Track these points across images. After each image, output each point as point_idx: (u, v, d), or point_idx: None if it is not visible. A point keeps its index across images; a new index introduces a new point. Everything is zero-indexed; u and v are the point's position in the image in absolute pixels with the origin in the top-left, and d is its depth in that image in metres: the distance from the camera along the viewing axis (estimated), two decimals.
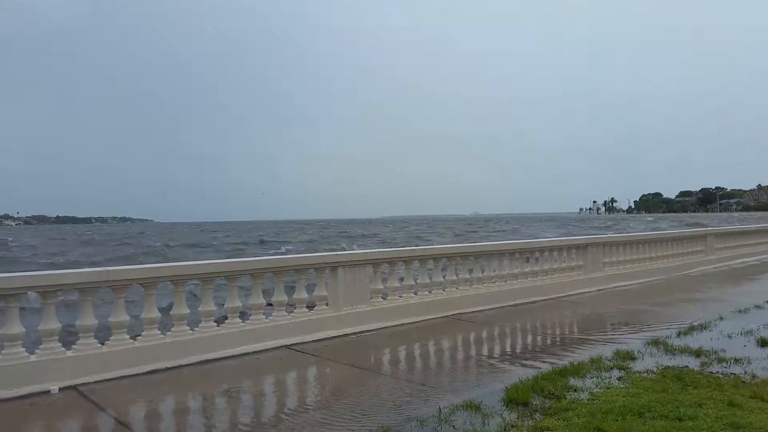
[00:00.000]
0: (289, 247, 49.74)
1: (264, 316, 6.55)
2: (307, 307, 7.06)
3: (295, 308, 6.93)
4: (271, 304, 6.76)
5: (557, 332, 7.45)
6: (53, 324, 5.04)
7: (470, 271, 8.92)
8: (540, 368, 5.46)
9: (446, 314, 8.18)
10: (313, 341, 6.74)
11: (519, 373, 5.30)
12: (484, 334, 7.22)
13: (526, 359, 5.97)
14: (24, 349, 4.90)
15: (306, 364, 5.95)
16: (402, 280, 8.15)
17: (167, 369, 5.54)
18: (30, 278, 4.97)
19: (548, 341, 6.93)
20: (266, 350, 6.29)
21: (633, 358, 5.76)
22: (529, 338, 7.11)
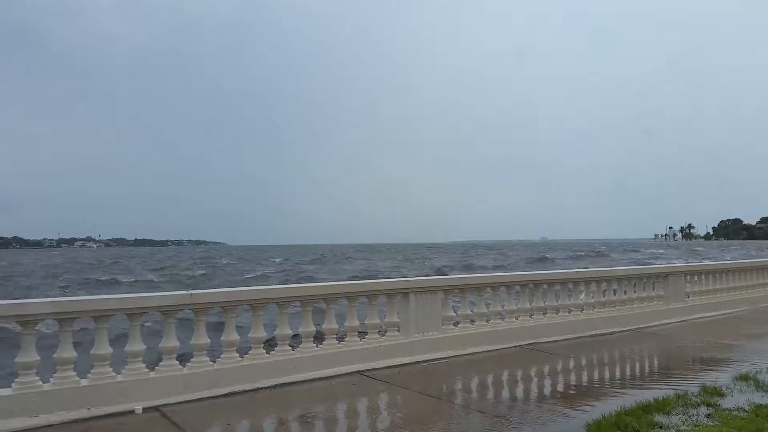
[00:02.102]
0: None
1: (337, 341, 6.56)
2: (379, 333, 7.03)
3: (367, 334, 6.90)
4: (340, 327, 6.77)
5: (638, 365, 7.07)
6: (138, 345, 5.23)
7: (545, 299, 8.64)
8: (622, 403, 5.15)
9: (520, 344, 7.92)
10: (385, 368, 6.67)
11: (600, 408, 5.04)
12: (560, 366, 6.92)
13: (607, 393, 5.67)
14: (111, 369, 5.10)
15: (378, 390, 5.89)
16: (474, 307, 7.99)
17: (244, 392, 5.62)
18: (118, 301, 5.20)
19: (629, 374, 6.58)
20: (339, 375, 6.28)
21: (721, 395, 5.36)
22: (608, 371, 6.77)
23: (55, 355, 4.86)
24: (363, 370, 6.50)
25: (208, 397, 5.42)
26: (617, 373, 6.63)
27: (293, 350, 6.22)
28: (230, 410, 5.19)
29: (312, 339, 6.39)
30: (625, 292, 9.76)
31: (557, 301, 8.74)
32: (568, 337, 8.47)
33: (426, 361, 7.03)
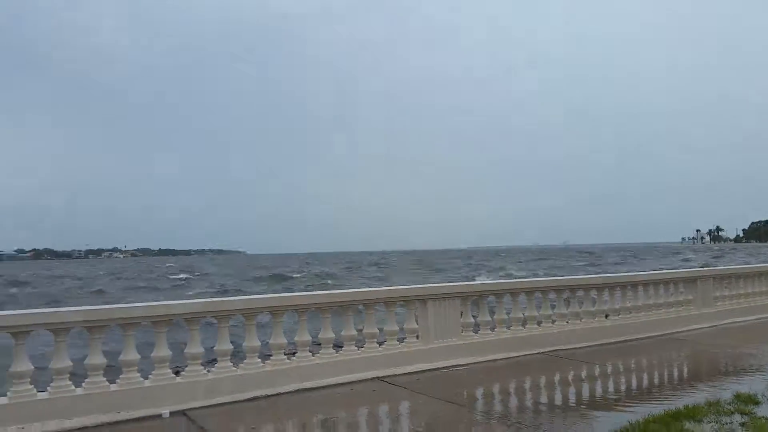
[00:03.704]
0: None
1: (356, 348, 6.65)
2: (398, 339, 7.10)
3: (386, 341, 6.98)
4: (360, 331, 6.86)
5: (666, 372, 6.99)
6: (165, 351, 5.40)
7: (567, 305, 8.61)
8: (650, 411, 5.08)
9: (542, 351, 7.90)
10: (405, 374, 6.73)
11: (626, 416, 4.97)
12: (584, 373, 6.89)
13: (634, 401, 5.61)
14: (139, 374, 5.26)
15: (399, 397, 5.95)
16: (494, 313, 8.00)
17: (267, 396, 5.74)
18: (144, 308, 5.38)
19: (657, 381, 6.50)
20: (359, 381, 6.36)
21: (756, 402, 5.24)
22: (635, 378, 6.71)
23: (86, 361, 5.04)
24: (383, 377, 6.57)
25: (232, 402, 5.55)
26: (644, 381, 6.57)
27: (313, 356, 6.32)
28: (253, 414, 5.31)
29: (331, 345, 6.49)
30: (651, 297, 9.64)
31: (581, 307, 8.69)
32: (592, 343, 8.41)
33: (446, 367, 7.07)
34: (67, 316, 4.92)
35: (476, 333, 7.72)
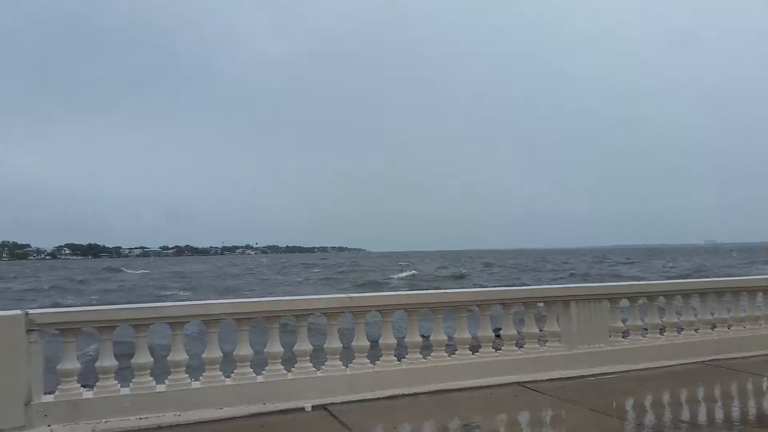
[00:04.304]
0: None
1: (493, 350, 6.35)
2: (538, 342, 6.69)
3: (525, 343, 6.61)
4: (499, 336, 6.54)
5: None
6: (306, 345, 5.47)
7: (730, 309, 7.67)
8: None
9: (701, 359, 7.07)
10: (546, 380, 6.31)
11: None
12: (751, 386, 6.08)
13: None
14: (283, 366, 5.38)
15: (541, 404, 5.58)
16: (645, 317, 7.31)
17: (404, 395, 5.63)
18: (288, 302, 5.49)
19: None
20: (497, 386, 6.05)
21: None
22: None
23: (234, 353, 5.24)
24: (522, 382, 6.20)
25: (370, 399, 5.50)
26: None
27: (449, 357, 6.12)
28: (392, 413, 5.22)
29: (467, 346, 6.24)
30: None
31: (745, 312, 7.71)
32: (760, 353, 7.42)
33: (592, 375, 6.54)
34: (218, 308, 5.13)
35: (625, 338, 7.10)
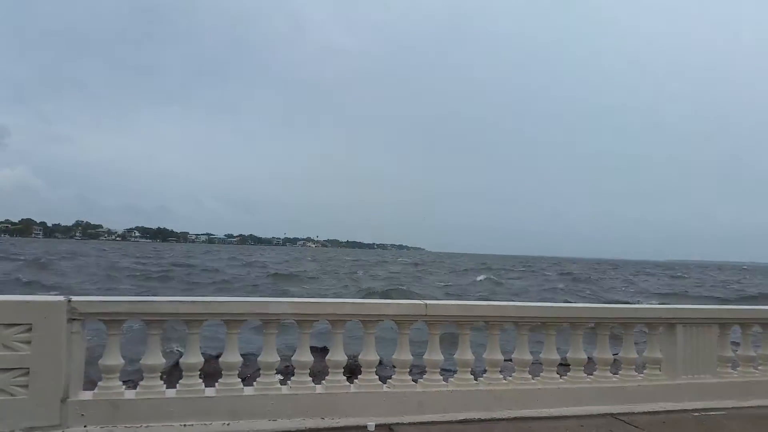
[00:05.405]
0: None
1: (584, 374, 5.52)
2: (635, 370, 5.81)
3: (620, 370, 5.74)
4: (591, 358, 5.71)
5: None
6: (373, 355, 4.84)
7: None
8: None
9: None
10: (645, 413, 5.43)
11: None
12: None
13: None
14: (345, 377, 4.77)
15: None
16: (758, 347, 6.27)
17: (480, 420, 4.91)
18: (353, 306, 4.86)
19: None
20: (588, 416, 5.23)
21: None
22: None
23: (293, 358, 4.66)
24: (617, 414, 5.35)
25: (441, 422, 4.80)
26: None
27: (533, 379, 5.34)
28: None
29: (554, 369, 5.44)
30: None
31: None
32: None
33: (696, 410, 5.60)
34: (276, 307, 4.56)
35: (735, 370, 6.10)
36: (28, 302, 3.92)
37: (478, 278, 51.42)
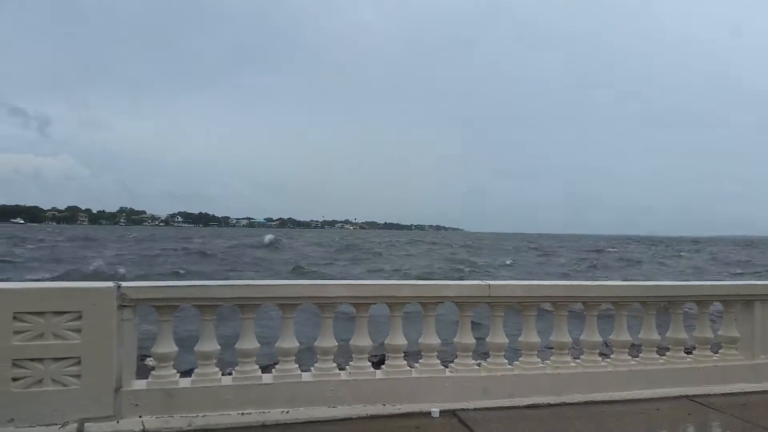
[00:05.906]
0: None
1: (657, 356, 5.19)
2: (710, 349, 5.44)
3: (695, 349, 5.39)
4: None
5: None
6: (434, 339, 4.62)
7: None
8: None
9: None
10: (722, 394, 5.10)
11: None
12: None
13: None
14: (406, 362, 4.57)
15: (725, 426, 4.44)
16: None
17: (548, 405, 4.65)
18: (412, 288, 4.63)
19: None
20: (664, 399, 4.92)
21: None
22: None
23: (351, 342, 4.48)
24: (693, 396, 5.03)
25: (508, 407, 4.57)
26: None
27: (603, 361, 5.05)
28: (533, 425, 4.29)
29: (626, 350, 5.13)
30: None
31: None
32: None
33: None
34: (334, 290, 4.38)
35: None
36: (76, 288, 3.77)
37: None
